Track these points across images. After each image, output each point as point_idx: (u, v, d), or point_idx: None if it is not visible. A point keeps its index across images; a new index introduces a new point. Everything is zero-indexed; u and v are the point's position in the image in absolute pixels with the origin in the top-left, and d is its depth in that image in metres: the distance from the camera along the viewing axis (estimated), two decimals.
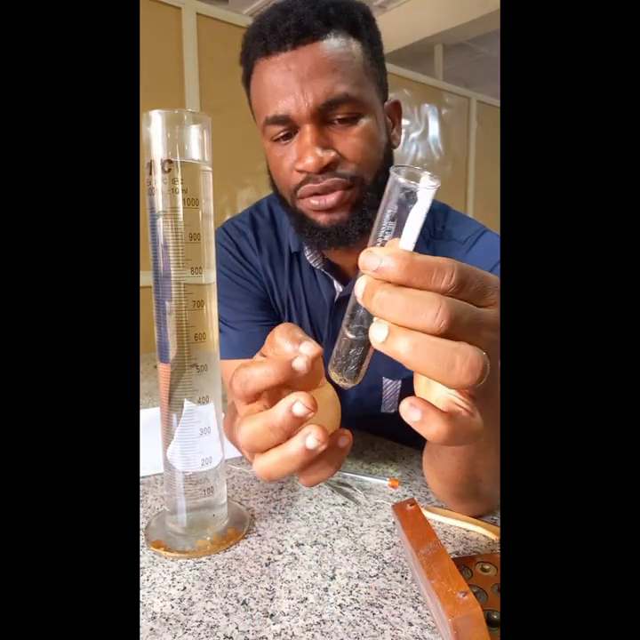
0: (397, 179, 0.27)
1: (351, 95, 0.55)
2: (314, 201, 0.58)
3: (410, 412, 0.26)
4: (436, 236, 0.67)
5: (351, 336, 0.30)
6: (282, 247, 0.71)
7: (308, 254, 0.68)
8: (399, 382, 0.68)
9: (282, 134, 0.57)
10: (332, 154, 0.56)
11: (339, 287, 0.68)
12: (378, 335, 0.26)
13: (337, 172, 0.56)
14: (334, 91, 0.54)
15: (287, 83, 0.54)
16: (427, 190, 0.27)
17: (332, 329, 0.68)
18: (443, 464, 0.43)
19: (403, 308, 0.25)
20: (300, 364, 0.29)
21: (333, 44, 0.54)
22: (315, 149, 0.55)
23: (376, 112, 0.58)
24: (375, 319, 0.27)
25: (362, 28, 0.57)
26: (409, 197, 0.27)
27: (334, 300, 0.68)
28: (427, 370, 0.25)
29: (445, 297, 0.25)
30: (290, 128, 0.57)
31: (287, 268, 0.70)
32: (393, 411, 0.70)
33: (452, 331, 0.25)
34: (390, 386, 0.69)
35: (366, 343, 0.30)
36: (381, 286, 0.26)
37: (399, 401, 0.69)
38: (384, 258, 0.26)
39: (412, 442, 0.65)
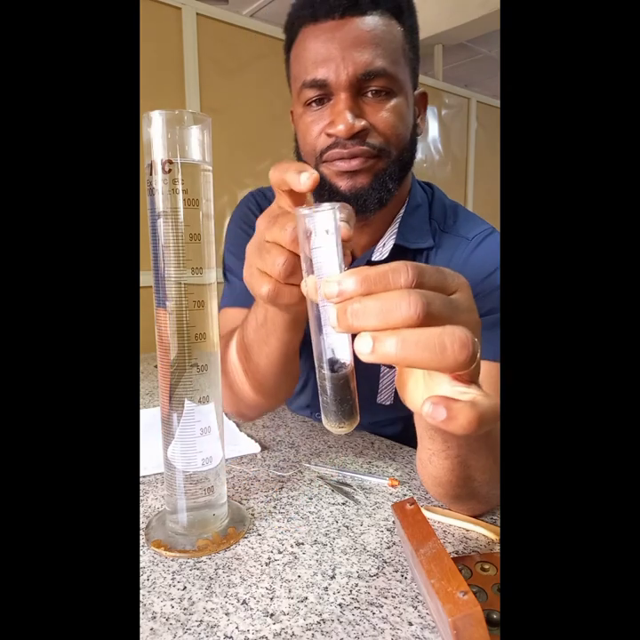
0: (298, 211, 0.31)
1: (388, 71, 0.58)
2: (340, 163, 0.61)
3: (436, 412, 0.26)
4: (445, 229, 0.68)
5: (326, 373, 0.31)
6: None
7: None
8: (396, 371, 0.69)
9: (315, 98, 0.60)
10: (363, 122, 0.58)
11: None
12: (363, 346, 0.26)
13: (366, 141, 0.59)
14: (373, 63, 0.57)
15: (330, 50, 0.57)
16: (322, 213, 0.30)
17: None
18: (436, 469, 0.43)
19: (377, 311, 0.26)
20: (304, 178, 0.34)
21: (378, 21, 0.58)
22: (347, 116, 0.57)
23: (407, 94, 0.62)
24: (358, 336, 0.27)
25: (405, 13, 0.60)
26: (316, 219, 0.31)
27: None
28: (422, 360, 0.25)
29: (412, 288, 0.26)
30: (325, 94, 0.60)
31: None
32: (388, 402, 0.70)
33: (430, 318, 0.26)
34: (387, 375, 0.70)
35: (346, 376, 0.31)
36: (350, 301, 0.27)
37: (395, 391, 0.70)
38: (341, 281, 0.27)
39: (411, 441, 0.65)
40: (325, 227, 0.30)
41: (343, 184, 0.61)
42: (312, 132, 0.62)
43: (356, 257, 0.70)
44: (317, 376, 0.32)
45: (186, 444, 0.41)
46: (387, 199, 0.64)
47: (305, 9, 0.60)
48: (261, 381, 0.57)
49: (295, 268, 0.37)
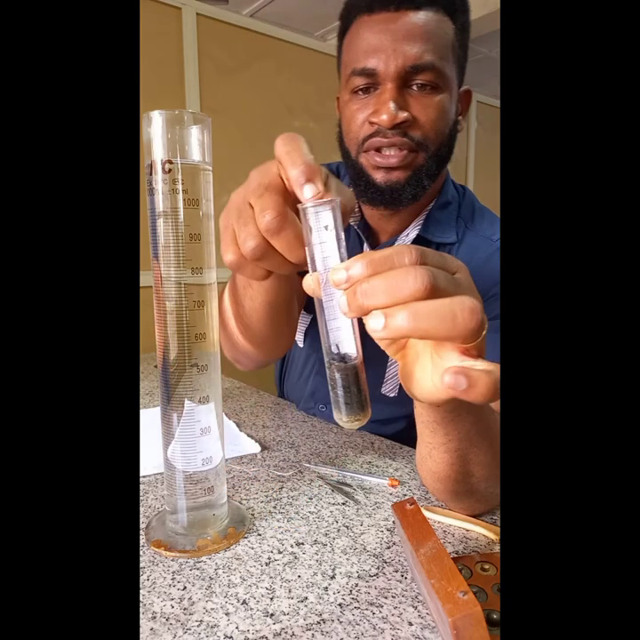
0: (304, 206, 0.31)
1: (436, 66, 0.59)
2: (377, 158, 0.63)
3: (456, 381, 0.26)
4: (470, 227, 0.70)
5: (335, 365, 0.32)
6: None
7: None
8: None
9: (363, 87, 0.62)
10: (406, 114, 0.60)
11: (366, 248, 0.73)
12: (376, 323, 0.27)
13: (407, 133, 0.61)
14: (422, 57, 0.59)
15: (382, 40, 0.59)
16: (321, 209, 0.31)
17: None
18: (435, 463, 0.43)
19: (385, 287, 0.27)
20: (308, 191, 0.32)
21: (431, 16, 0.59)
22: (391, 106, 0.59)
23: (452, 91, 0.63)
24: (369, 315, 0.27)
25: (458, 11, 0.62)
26: (316, 216, 0.31)
27: None
28: (434, 329, 0.26)
29: (417, 264, 0.27)
30: (372, 83, 0.61)
31: None
32: (393, 394, 0.71)
33: (437, 291, 0.26)
34: (395, 364, 0.70)
35: (355, 367, 0.32)
36: (358, 283, 0.28)
37: (401, 385, 0.70)
38: (349, 266, 0.28)
39: (412, 442, 0.65)
40: (325, 223, 0.31)
41: (379, 177, 0.64)
42: (356, 119, 0.63)
43: (380, 242, 0.72)
44: (327, 371, 0.32)
45: (186, 444, 0.41)
46: (420, 195, 0.66)
47: None
48: (248, 326, 0.58)
49: (265, 253, 0.35)
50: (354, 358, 0.32)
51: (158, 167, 0.37)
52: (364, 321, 0.28)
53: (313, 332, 0.78)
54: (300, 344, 0.81)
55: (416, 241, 0.69)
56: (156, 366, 0.38)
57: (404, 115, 0.60)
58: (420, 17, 0.59)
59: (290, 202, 0.34)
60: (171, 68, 1.74)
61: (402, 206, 0.65)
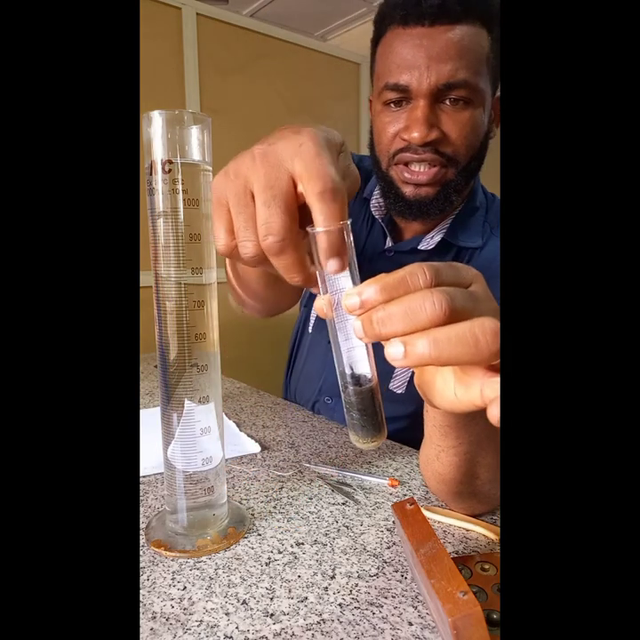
0: (314, 231, 0.31)
1: (470, 82, 0.60)
2: (406, 174, 0.64)
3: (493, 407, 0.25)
4: (494, 232, 0.71)
5: (351, 389, 0.31)
6: (360, 190, 0.79)
7: (373, 203, 0.75)
8: None
9: (394, 100, 0.63)
10: (437, 132, 0.61)
11: (389, 242, 0.74)
12: (396, 352, 0.26)
13: (438, 149, 0.62)
14: (456, 75, 0.59)
15: (416, 56, 0.59)
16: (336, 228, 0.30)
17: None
18: (442, 466, 0.43)
19: (402, 314, 0.26)
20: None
21: (466, 31, 0.59)
22: (423, 124, 0.60)
23: (485, 103, 0.64)
24: (387, 344, 0.27)
25: (494, 22, 0.61)
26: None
27: (383, 252, 0.74)
28: (457, 356, 0.25)
29: (432, 287, 0.26)
30: (404, 97, 0.62)
31: (362, 204, 0.78)
32: (400, 391, 0.71)
33: (455, 314, 0.26)
34: None
35: (371, 389, 0.31)
36: (374, 310, 0.27)
37: (409, 381, 0.70)
38: (361, 291, 0.27)
39: (411, 441, 0.65)
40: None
41: (408, 191, 0.65)
42: (387, 133, 0.65)
43: (404, 238, 0.74)
44: (342, 394, 0.32)
45: (186, 444, 0.41)
46: (448, 209, 0.67)
47: (397, 9, 0.61)
48: (246, 284, 0.59)
49: (262, 262, 0.34)
50: (369, 380, 0.31)
51: (158, 167, 0.37)
52: (383, 346, 0.27)
53: (321, 321, 0.79)
54: (310, 330, 0.82)
55: (440, 244, 0.70)
56: (156, 366, 0.38)
57: (434, 133, 0.61)
58: (456, 33, 0.59)
59: (296, 219, 0.32)
60: (171, 68, 1.74)
61: (428, 218, 0.67)
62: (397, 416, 0.72)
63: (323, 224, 0.30)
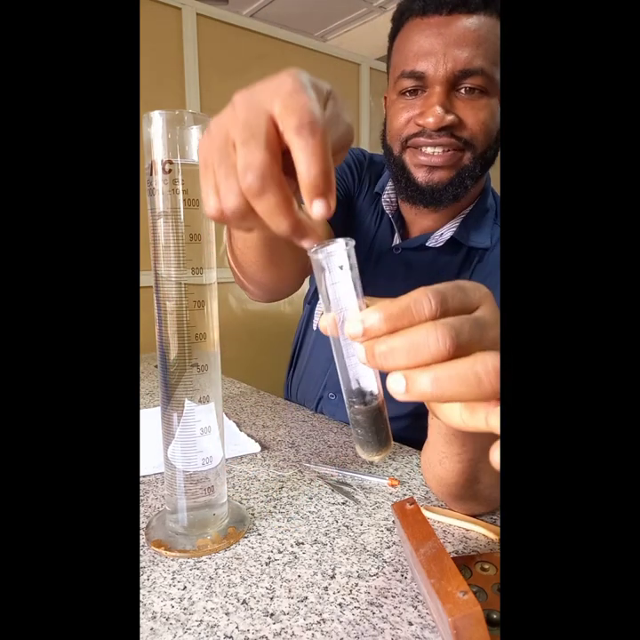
0: (314, 251, 0.29)
1: (486, 71, 0.59)
2: (421, 157, 0.63)
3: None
4: None
5: (357, 408, 0.30)
6: (372, 185, 0.79)
7: (384, 198, 0.75)
8: None
9: (410, 89, 0.63)
10: (452, 116, 0.60)
11: (397, 239, 0.74)
12: (397, 386, 0.25)
13: (453, 133, 0.61)
14: (472, 63, 0.59)
15: (433, 44, 0.59)
16: (335, 250, 0.29)
17: (374, 276, 0.74)
18: (445, 471, 0.43)
19: (405, 349, 0.25)
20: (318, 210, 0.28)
21: (484, 21, 0.59)
22: (438, 110, 0.60)
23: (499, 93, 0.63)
24: (389, 376, 0.26)
25: None
26: (329, 258, 0.29)
27: (391, 249, 0.74)
28: (459, 395, 0.24)
29: (437, 320, 0.25)
30: (420, 85, 0.62)
31: (373, 200, 0.78)
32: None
33: (460, 350, 0.25)
34: None
35: (378, 406, 0.30)
36: (376, 341, 0.26)
37: None
38: (364, 319, 0.26)
39: (411, 441, 0.65)
40: (339, 262, 0.29)
41: (421, 176, 0.64)
42: (400, 117, 0.64)
43: (412, 235, 0.73)
44: (349, 410, 0.31)
45: (186, 443, 0.41)
46: (462, 195, 0.66)
47: (415, 2, 0.61)
48: (243, 267, 0.58)
49: (248, 213, 0.30)
50: (375, 397, 0.30)
51: (158, 167, 0.37)
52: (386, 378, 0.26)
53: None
54: (314, 327, 0.82)
55: (449, 242, 0.69)
56: (156, 366, 0.38)
57: (450, 117, 0.60)
58: (473, 21, 0.59)
59: (278, 159, 0.29)
60: (171, 68, 1.74)
61: (441, 206, 0.66)
62: (398, 416, 0.72)
63: (303, 162, 0.27)
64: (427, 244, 0.70)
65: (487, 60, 0.59)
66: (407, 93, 0.63)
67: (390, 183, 0.74)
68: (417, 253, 0.72)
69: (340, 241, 0.29)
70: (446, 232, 0.70)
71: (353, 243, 0.29)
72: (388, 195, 0.75)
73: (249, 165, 0.28)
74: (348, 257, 0.29)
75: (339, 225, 0.73)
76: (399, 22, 0.65)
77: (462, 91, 0.61)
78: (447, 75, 0.59)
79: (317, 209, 0.28)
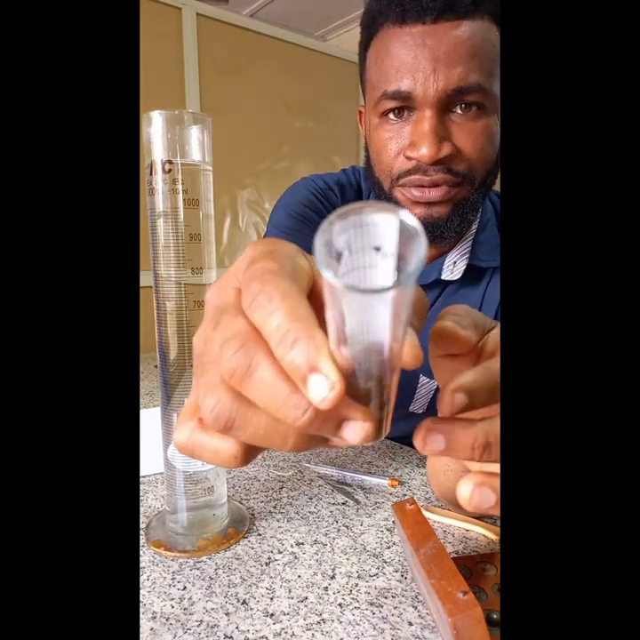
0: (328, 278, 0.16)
1: (483, 86, 0.51)
2: (416, 192, 0.55)
3: (481, 497, 0.23)
4: None
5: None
6: None
7: None
8: (435, 383, 0.65)
9: (395, 109, 0.53)
10: (450, 147, 0.52)
11: None
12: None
13: (451, 168, 0.53)
14: (467, 79, 0.50)
15: (418, 59, 0.50)
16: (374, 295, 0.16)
17: None
18: (449, 482, 0.43)
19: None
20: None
21: (475, 27, 0.50)
22: (433, 139, 0.50)
23: (499, 108, 0.54)
24: (461, 481, 0.24)
25: None
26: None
27: None
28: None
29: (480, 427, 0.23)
30: (406, 106, 0.53)
31: None
32: (421, 411, 0.69)
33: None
34: (426, 385, 0.67)
35: (380, 378, 0.21)
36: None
37: (430, 401, 0.68)
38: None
39: (411, 441, 0.65)
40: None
41: (418, 212, 0.55)
42: (389, 151, 0.55)
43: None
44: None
45: None
46: (465, 230, 0.58)
47: (391, 6, 0.51)
48: None
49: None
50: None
51: (158, 167, 0.37)
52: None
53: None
54: None
55: (467, 270, 0.61)
56: (156, 366, 0.38)
57: (446, 149, 0.51)
58: (464, 30, 0.49)
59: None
60: (171, 68, 1.74)
61: (444, 243, 0.58)
62: (399, 417, 0.72)
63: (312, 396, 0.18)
64: (442, 277, 0.61)
65: (483, 72, 0.50)
66: (391, 114, 0.54)
67: None
68: (433, 289, 0.63)
69: (378, 280, 0.18)
70: (460, 260, 0.61)
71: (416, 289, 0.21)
72: None
73: (210, 402, 0.20)
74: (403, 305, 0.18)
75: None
76: (371, 30, 0.55)
77: (457, 110, 0.52)
78: (439, 95, 0.50)
79: (315, 388, 0.18)
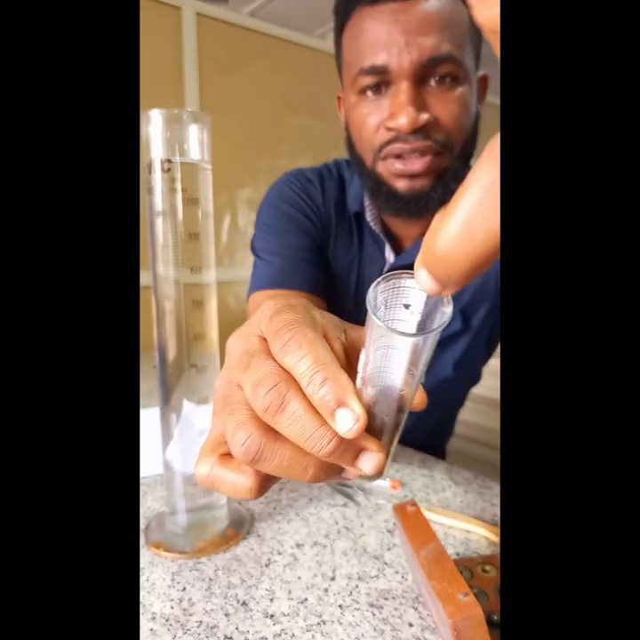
0: (375, 321, 0.19)
1: (455, 56, 0.53)
2: (398, 165, 0.56)
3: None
4: None
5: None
6: (345, 207, 0.69)
7: (368, 216, 0.66)
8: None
9: (372, 86, 0.55)
10: (427, 116, 0.53)
11: (390, 256, 0.66)
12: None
13: (430, 135, 0.54)
14: (440, 49, 0.52)
15: (391, 33, 0.52)
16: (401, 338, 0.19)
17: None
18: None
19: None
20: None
21: (444, 2, 0.52)
22: (410, 108, 0.52)
23: (471, 80, 0.57)
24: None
25: None
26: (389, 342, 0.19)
27: (382, 270, 0.66)
28: None
29: None
30: (383, 81, 0.54)
31: (347, 229, 0.69)
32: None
33: None
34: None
35: (392, 416, 0.23)
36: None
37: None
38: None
39: (412, 443, 0.65)
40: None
41: (401, 185, 0.57)
42: (369, 125, 0.56)
43: (404, 249, 0.66)
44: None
45: (185, 444, 0.41)
46: (449, 199, 0.59)
47: None
48: None
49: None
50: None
51: (157, 166, 0.37)
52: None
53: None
54: None
55: None
56: (154, 366, 0.38)
57: (425, 117, 0.53)
58: (433, 4, 0.51)
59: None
60: (170, 68, 1.74)
61: (428, 213, 0.59)
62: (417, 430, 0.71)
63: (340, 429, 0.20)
64: None
65: (454, 43, 0.52)
66: (369, 92, 0.55)
67: (367, 198, 0.66)
68: None
69: (406, 317, 0.20)
70: None
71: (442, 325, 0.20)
72: (371, 212, 0.66)
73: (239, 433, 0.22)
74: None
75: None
76: (345, 14, 0.57)
77: (432, 82, 0.53)
78: (414, 65, 0.52)
79: (342, 421, 0.20)
